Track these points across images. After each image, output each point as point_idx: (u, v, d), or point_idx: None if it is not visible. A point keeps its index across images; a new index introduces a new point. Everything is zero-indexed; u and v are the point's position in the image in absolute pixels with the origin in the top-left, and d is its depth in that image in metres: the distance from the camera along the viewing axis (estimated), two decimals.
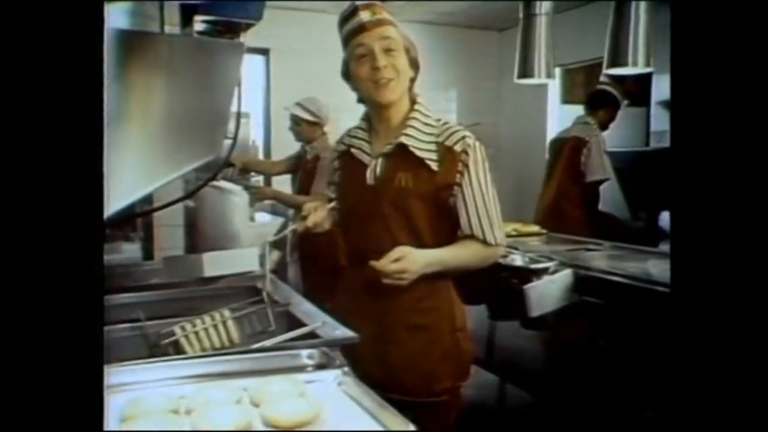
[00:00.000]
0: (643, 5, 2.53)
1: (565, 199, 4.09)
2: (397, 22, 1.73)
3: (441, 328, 1.77)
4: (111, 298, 2.07)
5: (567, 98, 6.23)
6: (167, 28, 1.74)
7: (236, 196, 3.37)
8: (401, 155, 1.72)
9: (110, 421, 1.12)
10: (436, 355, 1.74)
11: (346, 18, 1.73)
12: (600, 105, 4.16)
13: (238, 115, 1.78)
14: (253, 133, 4.85)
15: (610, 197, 4.36)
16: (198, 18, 1.55)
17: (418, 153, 1.70)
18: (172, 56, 1.44)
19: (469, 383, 1.83)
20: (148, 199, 2.44)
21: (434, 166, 1.69)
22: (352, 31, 1.70)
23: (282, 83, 5.81)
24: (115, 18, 1.57)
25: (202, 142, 1.46)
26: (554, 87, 6.18)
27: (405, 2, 4.93)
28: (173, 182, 2.15)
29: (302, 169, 4.06)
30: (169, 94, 1.44)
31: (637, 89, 4.91)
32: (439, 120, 1.77)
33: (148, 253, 3.13)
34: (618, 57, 2.60)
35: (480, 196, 1.71)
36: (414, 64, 1.75)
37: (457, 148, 1.70)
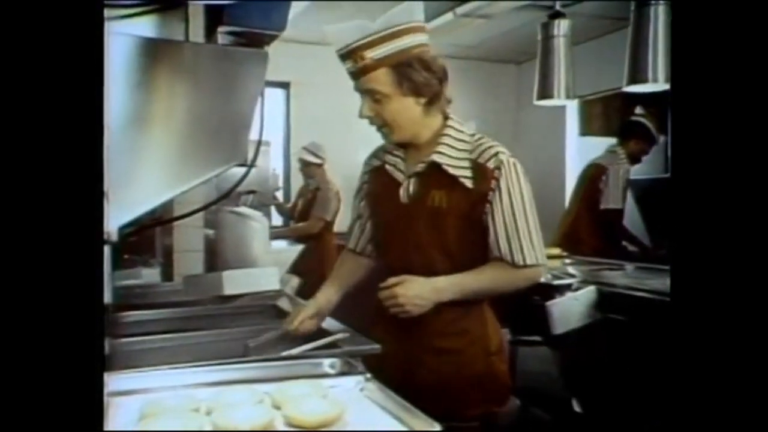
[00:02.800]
0: (661, 22, 2.53)
1: (582, 226, 4.06)
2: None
3: (472, 352, 1.68)
4: (130, 315, 2.07)
5: (585, 130, 6.20)
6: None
7: (256, 222, 3.38)
8: (435, 174, 1.66)
9: (129, 420, 1.11)
10: (466, 380, 1.66)
11: None
12: (630, 136, 4.07)
13: (259, 143, 1.78)
14: (274, 161, 4.93)
15: (631, 226, 4.32)
16: (222, 30, 1.57)
17: (452, 171, 1.64)
18: (197, 64, 1.46)
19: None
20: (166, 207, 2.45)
21: (468, 183, 1.63)
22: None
23: (301, 114, 5.95)
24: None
25: (226, 149, 1.47)
26: (572, 119, 6.19)
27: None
28: (194, 201, 2.16)
29: (303, 198, 4.96)
30: (194, 100, 1.45)
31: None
32: (473, 135, 1.70)
33: (167, 278, 3.13)
34: (637, 73, 2.58)
35: (510, 214, 1.63)
36: (417, 92, 1.63)
37: (490, 164, 1.63)
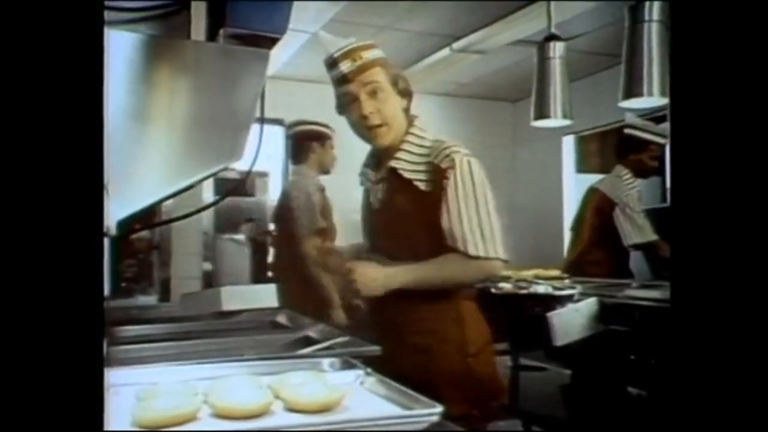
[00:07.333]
0: (655, 37, 2.55)
1: (589, 256, 3.81)
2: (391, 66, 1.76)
3: (443, 351, 1.70)
4: (128, 329, 2.05)
5: (581, 167, 6.22)
6: None
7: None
8: (394, 179, 1.74)
9: (126, 404, 1.09)
10: (440, 378, 1.65)
11: (329, 66, 1.74)
12: (628, 151, 3.71)
13: (249, 172, 1.80)
14: (272, 192, 5.00)
15: (633, 257, 4.26)
16: (224, 32, 1.59)
17: (407, 175, 1.71)
18: (198, 61, 1.48)
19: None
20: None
21: (422, 186, 1.69)
22: (336, 81, 1.73)
23: None
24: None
25: (225, 146, 1.48)
26: (569, 156, 6.22)
27: (419, 73, 5.07)
28: (191, 229, 2.16)
29: None
30: (195, 98, 1.47)
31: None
32: (437, 141, 1.75)
33: (164, 300, 3.13)
34: (632, 87, 2.58)
35: (464, 203, 1.65)
36: (405, 93, 1.76)
37: (444, 164, 1.67)
